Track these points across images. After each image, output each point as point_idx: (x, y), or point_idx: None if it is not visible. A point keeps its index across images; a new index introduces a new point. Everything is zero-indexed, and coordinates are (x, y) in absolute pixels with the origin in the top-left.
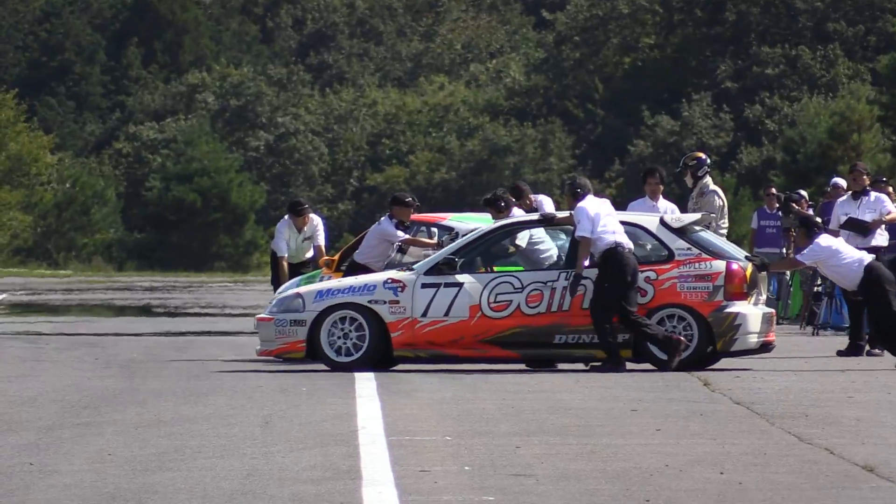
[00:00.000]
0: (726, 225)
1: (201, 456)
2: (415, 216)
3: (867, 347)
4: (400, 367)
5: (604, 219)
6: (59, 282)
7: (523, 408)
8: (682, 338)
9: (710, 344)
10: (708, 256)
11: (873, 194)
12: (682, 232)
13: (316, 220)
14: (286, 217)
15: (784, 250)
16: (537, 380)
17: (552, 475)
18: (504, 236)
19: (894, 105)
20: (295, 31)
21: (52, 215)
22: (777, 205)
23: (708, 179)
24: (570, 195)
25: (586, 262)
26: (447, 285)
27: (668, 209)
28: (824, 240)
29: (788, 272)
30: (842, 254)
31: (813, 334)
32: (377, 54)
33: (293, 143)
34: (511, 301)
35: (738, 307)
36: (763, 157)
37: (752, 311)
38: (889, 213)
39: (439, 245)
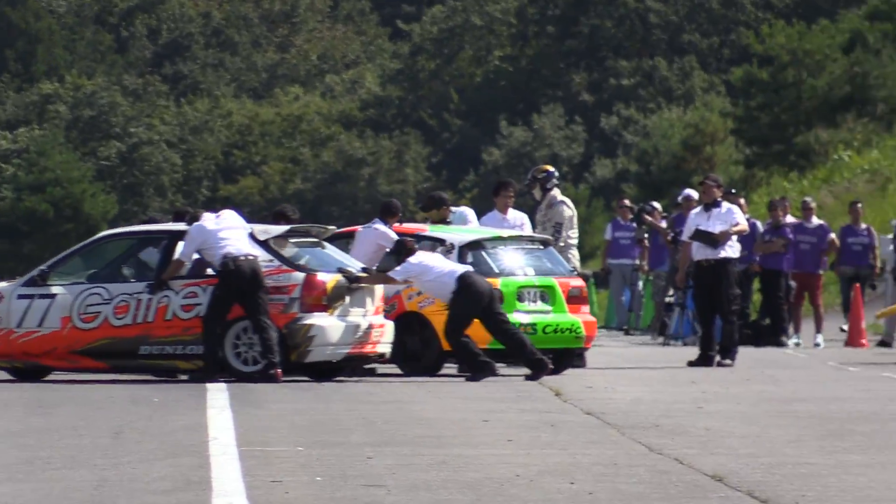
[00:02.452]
0: (576, 235)
1: (50, 467)
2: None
3: (717, 358)
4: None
5: (222, 234)
6: None
7: (375, 418)
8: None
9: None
10: (288, 268)
11: (725, 206)
12: (266, 244)
13: None
14: None
15: (637, 261)
16: (389, 390)
17: (403, 486)
18: (140, 246)
19: (748, 117)
20: (150, 41)
21: None
22: (630, 216)
23: (556, 191)
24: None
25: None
26: (41, 297)
27: (516, 220)
28: (415, 257)
29: (641, 283)
30: (435, 269)
31: (664, 345)
32: (233, 65)
33: (145, 153)
34: (100, 312)
35: (314, 319)
36: (617, 169)
37: (330, 323)
38: (738, 224)
39: None
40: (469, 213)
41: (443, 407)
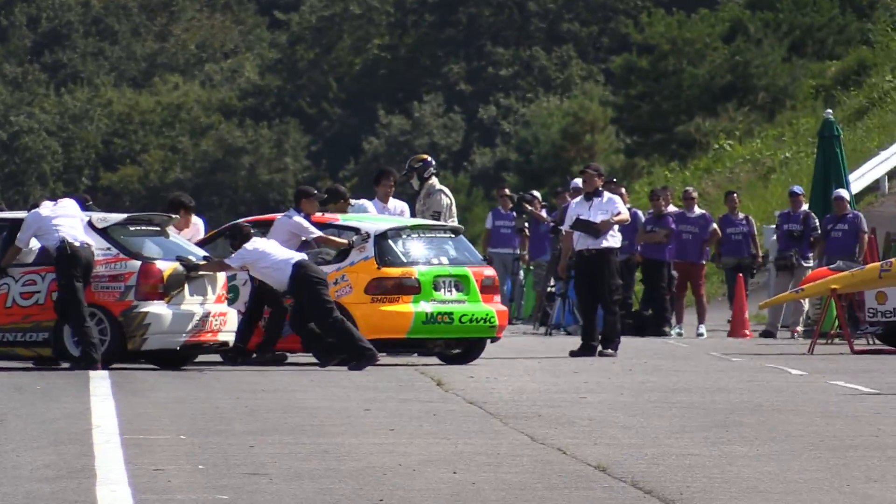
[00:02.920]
0: (455, 224)
1: None
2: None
3: (599, 348)
4: (136, 366)
5: (56, 220)
6: None
7: (258, 407)
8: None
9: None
10: (126, 257)
11: (606, 195)
12: (105, 232)
13: (199, 223)
14: None
15: (518, 250)
16: (272, 379)
17: (286, 474)
18: None
19: (628, 106)
20: (29, 29)
21: None
22: (511, 205)
23: (434, 180)
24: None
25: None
26: None
27: (397, 209)
28: (251, 243)
29: (522, 273)
30: (271, 255)
31: (546, 335)
32: (112, 53)
33: (26, 142)
34: None
35: (150, 307)
36: (496, 158)
37: (166, 311)
38: (619, 213)
39: (350, 245)
40: (369, 205)
41: (325, 396)
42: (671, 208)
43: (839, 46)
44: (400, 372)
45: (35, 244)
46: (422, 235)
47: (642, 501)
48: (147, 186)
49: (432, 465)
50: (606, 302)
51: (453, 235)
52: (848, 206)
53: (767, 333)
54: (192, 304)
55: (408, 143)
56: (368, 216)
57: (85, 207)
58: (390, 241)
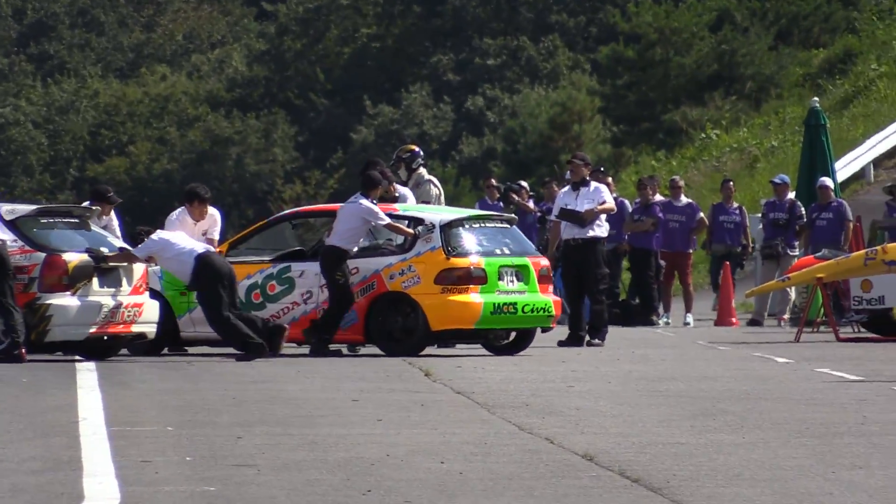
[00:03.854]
0: None
1: None
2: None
3: (587, 338)
4: (121, 357)
5: None
6: None
7: (245, 398)
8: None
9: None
10: (31, 249)
11: (593, 185)
12: (13, 224)
13: (216, 215)
14: (181, 208)
15: None
16: (259, 370)
17: (273, 466)
18: None
19: (615, 96)
20: (15, 20)
21: None
22: (498, 195)
23: (423, 171)
24: None
25: None
26: None
27: (405, 195)
28: (157, 234)
29: None
30: (175, 246)
31: None
32: (99, 45)
33: (11, 134)
34: None
35: (53, 299)
36: (483, 148)
37: (70, 303)
38: (605, 203)
39: (416, 235)
40: (407, 192)
41: (311, 387)
42: (658, 197)
43: (825, 35)
44: (388, 362)
45: None
46: (482, 226)
47: (629, 490)
48: (134, 178)
49: (420, 455)
50: (593, 291)
51: (508, 226)
52: (833, 194)
53: (754, 322)
54: (101, 295)
55: (397, 132)
56: (433, 207)
57: (107, 199)
58: (455, 232)
